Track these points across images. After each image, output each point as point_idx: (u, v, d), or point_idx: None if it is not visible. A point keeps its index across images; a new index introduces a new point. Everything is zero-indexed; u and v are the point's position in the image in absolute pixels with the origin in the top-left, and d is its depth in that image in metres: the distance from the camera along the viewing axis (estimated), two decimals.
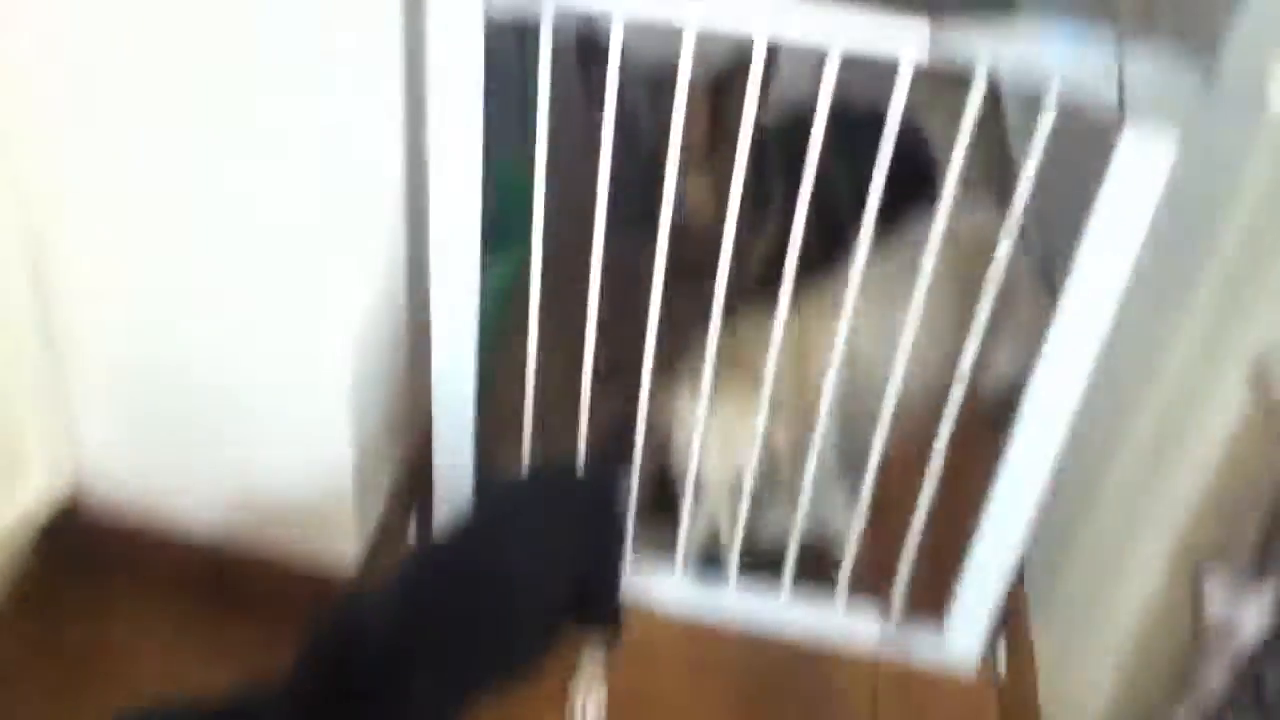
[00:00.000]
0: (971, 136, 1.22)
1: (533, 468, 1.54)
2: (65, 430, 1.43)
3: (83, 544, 1.52)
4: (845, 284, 1.39)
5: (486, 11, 1.19)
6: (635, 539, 1.58)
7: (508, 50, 1.24)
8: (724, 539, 1.53)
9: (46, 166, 1.25)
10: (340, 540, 1.46)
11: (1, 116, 1.21)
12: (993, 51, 1.13)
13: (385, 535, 1.54)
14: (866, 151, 1.26)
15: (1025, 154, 1.23)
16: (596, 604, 1.38)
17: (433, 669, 1.12)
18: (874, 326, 1.55)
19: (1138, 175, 1.15)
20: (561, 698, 1.45)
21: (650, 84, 1.36)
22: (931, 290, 1.48)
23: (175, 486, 1.48)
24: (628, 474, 1.50)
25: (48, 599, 1.49)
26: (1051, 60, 1.11)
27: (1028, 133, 1.22)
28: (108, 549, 1.52)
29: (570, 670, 1.44)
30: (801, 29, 1.18)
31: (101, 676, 1.43)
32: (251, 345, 1.33)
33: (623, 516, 1.48)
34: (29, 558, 1.48)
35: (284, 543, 1.48)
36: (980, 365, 1.86)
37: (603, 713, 1.45)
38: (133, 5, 1.12)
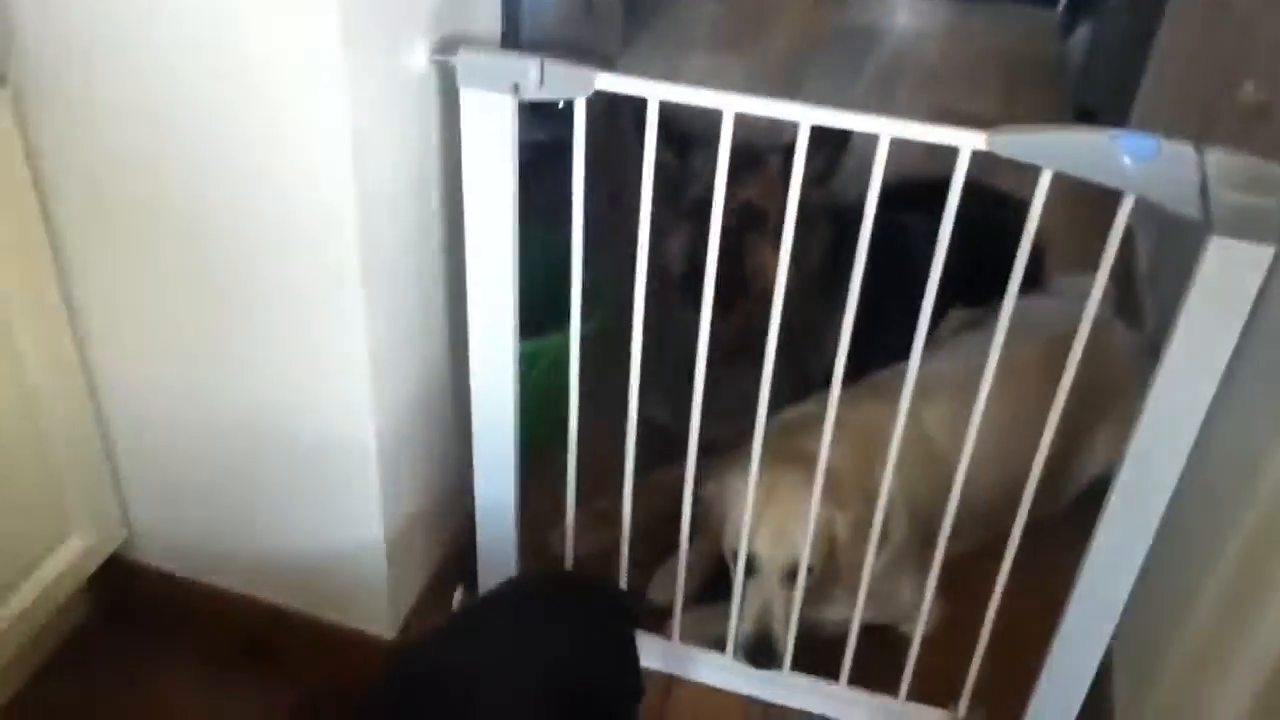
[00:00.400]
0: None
1: (553, 574, 1.50)
2: (110, 486, 1.45)
3: (126, 597, 1.54)
4: (929, 367, 1.27)
5: (520, 99, 1.14)
6: (683, 625, 1.52)
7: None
8: (776, 626, 1.46)
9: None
10: (377, 606, 1.45)
11: None
12: (1060, 152, 1.02)
13: (429, 602, 1.52)
14: (961, 228, 1.14)
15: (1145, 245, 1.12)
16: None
17: None
18: (955, 414, 1.45)
19: (1226, 287, 1.03)
20: None
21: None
22: (1022, 377, 1.36)
23: (215, 546, 1.49)
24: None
25: (91, 651, 1.53)
26: (1127, 164, 0.99)
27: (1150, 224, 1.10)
28: (150, 602, 1.54)
29: None
30: (847, 124, 1.09)
31: None
32: (280, 410, 1.32)
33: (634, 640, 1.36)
34: (74, 610, 1.52)
35: (321, 606, 1.48)
36: (1076, 453, 1.73)
37: None
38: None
